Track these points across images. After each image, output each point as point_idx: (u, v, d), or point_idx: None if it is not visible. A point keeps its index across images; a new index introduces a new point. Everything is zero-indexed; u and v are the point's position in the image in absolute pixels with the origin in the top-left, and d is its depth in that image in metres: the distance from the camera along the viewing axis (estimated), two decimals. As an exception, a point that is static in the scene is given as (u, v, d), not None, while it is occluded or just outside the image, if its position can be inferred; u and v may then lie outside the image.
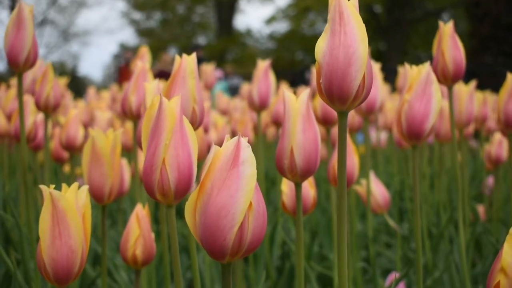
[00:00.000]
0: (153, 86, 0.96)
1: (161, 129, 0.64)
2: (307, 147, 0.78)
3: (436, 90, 0.85)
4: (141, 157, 1.48)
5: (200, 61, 5.87)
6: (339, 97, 0.59)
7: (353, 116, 1.81)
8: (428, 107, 0.84)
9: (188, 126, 0.66)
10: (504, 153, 1.93)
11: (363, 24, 0.58)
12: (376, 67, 1.51)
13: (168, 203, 0.66)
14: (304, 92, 0.80)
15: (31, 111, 1.50)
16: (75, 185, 0.70)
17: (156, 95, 0.91)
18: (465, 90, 1.52)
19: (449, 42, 1.09)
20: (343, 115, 0.61)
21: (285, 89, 0.81)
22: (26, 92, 1.73)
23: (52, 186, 0.68)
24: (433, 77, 0.85)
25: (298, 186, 0.82)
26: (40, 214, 0.67)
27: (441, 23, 1.11)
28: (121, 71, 8.45)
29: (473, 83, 1.56)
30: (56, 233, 0.67)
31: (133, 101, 1.22)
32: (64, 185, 0.70)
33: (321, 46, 0.59)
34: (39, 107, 1.34)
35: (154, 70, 6.19)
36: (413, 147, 0.87)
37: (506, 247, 0.56)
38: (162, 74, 5.64)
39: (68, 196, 0.68)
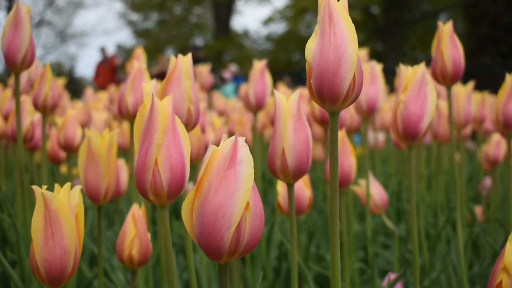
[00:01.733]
0: (150, 86, 0.95)
1: (153, 129, 0.64)
2: (299, 148, 0.78)
3: (431, 90, 0.85)
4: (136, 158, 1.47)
5: (200, 62, 5.88)
6: (329, 97, 0.59)
7: (351, 117, 1.81)
8: (423, 108, 0.84)
9: (180, 126, 0.65)
10: (501, 154, 1.93)
11: (353, 25, 0.59)
12: (378, 68, 1.51)
13: (161, 203, 0.66)
14: (295, 92, 0.79)
15: (28, 111, 1.50)
16: (67, 185, 0.69)
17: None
18: (463, 91, 1.52)
19: (448, 42, 1.09)
20: (334, 114, 0.61)
21: (276, 91, 0.81)
22: (21, 92, 1.72)
23: (45, 186, 0.67)
24: (428, 77, 0.85)
25: (290, 186, 0.82)
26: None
27: (440, 23, 1.11)
28: (97, 68, 8.34)
29: (471, 84, 1.56)
30: (48, 234, 0.67)
31: (129, 101, 1.22)
32: (57, 186, 0.69)
33: (311, 47, 0.59)
34: (37, 107, 1.34)
35: (154, 72, 6.20)
36: (408, 147, 0.87)
37: (508, 246, 0.56)
38: (163, 75, 5.65)
39: (60, 197, 0.68)
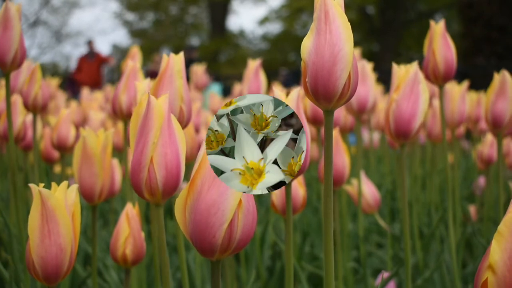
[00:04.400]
0: (144, 85, 0.96)
1: (149, 128, 0.64)
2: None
3: (424, 89, 0.85)
4: (131, 156, 1.47)
5: (195, 62, 5.87)
6: (324, 95, 0.59)
7: (345, 116, 1.81)
8: (415, 107, 0.85)
9: (176, 125, 0.65)
10: (496, 153, 1.94)
11: (349, 23, 0.59)
12: (369, 67, 1.52)
13: (156, 202, 0.66)
14: (294, 91, 0.80)
15: (21, 111, 1.50)
16: (64, 184, 0.69)
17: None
18: (457, 91, 1.53)
19: (440, 41, 1.10)
20: (329, 113, 0.61)
21: (276, 88, 0.81)
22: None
23: (42, 184, 0.67)
24: (420, 76, 0.86)
25: (288, 185, 0.82)
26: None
27: (432, 23, 1.11)
28: (81, 62, 8.05)
29: (465, 84, 1.57)
30: (45, 232, 0.67)
31: (123, 100, 1.22)
32: (53, 184, 0.70)
33: (306, 45, 0.59)
34: (27, 107, 1.34)
35: (146, 71, 6.17)
36: (401, 146, 0.88)
37: (494, 244, 0.56)
38: (154, 74, 5.64)
39: (57, 195, 0.68)
